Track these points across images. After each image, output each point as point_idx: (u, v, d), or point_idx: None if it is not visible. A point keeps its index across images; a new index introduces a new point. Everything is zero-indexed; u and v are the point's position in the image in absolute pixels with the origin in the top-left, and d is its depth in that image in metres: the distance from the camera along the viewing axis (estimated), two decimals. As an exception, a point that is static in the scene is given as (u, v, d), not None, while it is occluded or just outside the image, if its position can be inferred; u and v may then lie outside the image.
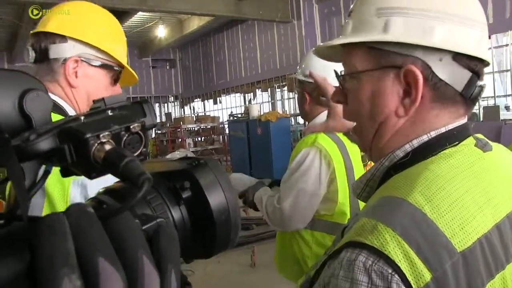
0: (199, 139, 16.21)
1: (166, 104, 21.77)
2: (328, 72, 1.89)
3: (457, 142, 0.76)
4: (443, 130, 0.77)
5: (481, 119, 9.24)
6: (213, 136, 15.97)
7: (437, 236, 0.62)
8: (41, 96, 0.42)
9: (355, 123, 0.87)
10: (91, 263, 0.28)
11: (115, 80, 1.35)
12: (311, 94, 2.07)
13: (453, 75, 0.75)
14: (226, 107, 18.50)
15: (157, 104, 21.46)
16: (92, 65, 1.28)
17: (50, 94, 1.26)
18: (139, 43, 17.62)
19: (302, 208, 1.91)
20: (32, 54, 1.27)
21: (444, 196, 0.66)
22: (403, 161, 0.77)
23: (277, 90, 15.51)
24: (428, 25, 0.74)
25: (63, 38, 1.25)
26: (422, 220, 0.63)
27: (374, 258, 0.60)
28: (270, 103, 16.08)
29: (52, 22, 1.27)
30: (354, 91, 0.81)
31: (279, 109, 14.91)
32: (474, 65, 0.76)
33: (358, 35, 0.79)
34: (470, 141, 0.78)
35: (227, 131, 14.41)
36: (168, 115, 19.72)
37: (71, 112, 1.26)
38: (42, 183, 0.38)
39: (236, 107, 17.85)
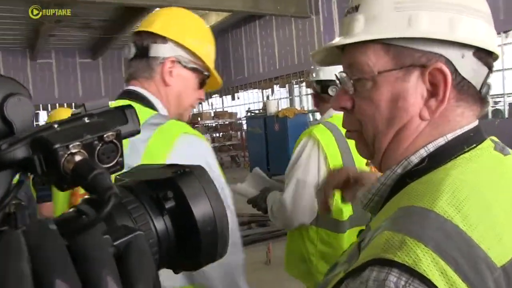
0: (217, 135, 16.26)
1: (184, 100, 21.85)
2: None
3: (474, 145, 0.71)
4: (459, 132, 0.71)
5: (506, 116, 9.03)
6: (231, 132, 16.00)
7: (473, 249, 0.55)
8: (23, 101, 0.40)
9: (353, 132, 0.80)
10: (48, 286, 0.27)
11: (201, 84, 1.44)
12: (316, 92, 2.16)
13: (473, 73, 0.70)
14: (244, 103, 18.50)
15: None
16: (185, 67, 1.38)
17: (143, 90, 1.30)
18: (158, 39, 17.75)
19: (303, 200, 1.92)
20: (133, 50, 1.36)
21: (473, 204, 0.60)
22: (419, 167, 0.71)
23: (295, 86, 15.45)
24: (451, 19, 0.69)
25: (164, 39, 1.35)
26: (455, 232, 0.56)
27: (407, 277, 0.53)
28: (288, 99, 16.03)
29: (156, 24, 1.37)
30: (367, 95, 0.74)
31: (297, 105, 14.84)
32: (490, 61, 0.72)
33: (377, 32, 0.72)
34: (488, 144, 0.73)
35: (245, 127, 14.41)
36: (186, 111, 19.80)
37: (161, 108, 1.36)
38: (15, 194, 0.36)
39: (254, 103, 17.84)
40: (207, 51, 1.43)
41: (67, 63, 17.08)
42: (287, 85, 15.42)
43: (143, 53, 1.35)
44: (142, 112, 1.27)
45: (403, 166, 0.73)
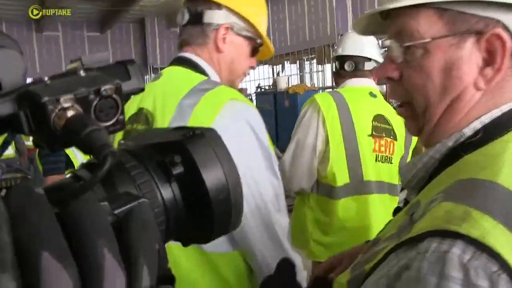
0: (226, 111, 16.18)
1: (194, 75, 21.77)
2: (361, 48, 2.11)
3: None
4: None
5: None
6: (240, 108, 15.92)
7: None
8: (12, 55, 0.36)
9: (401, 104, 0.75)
10: (33, 259, 0.23)
11: (253, 52, 1.43)
12: (335, 69, 2.24)
13: None
14: (254, 79, 18.36)
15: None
16: (238, 35, 1.37)
17: (196, 56, 1.28)
18: (167, 13, 17.53)
19: (301, 161, 1.98)
20: (186, 16, 1.35)
21: None
22: (473, 140, 0.67)
23: (305, 62, 15.27)
24: None
25: (218, 6, 1.33)
26: None
27: (473, 251, 0.49)
28: (298, 75, 15.88)
29: None
30: (418, 63, 0.69)
31: (308, 82, 14.70)
32: None
33: None
34: None
35: (254, 103, 14.33)
36: (196, 86, 19.77)
37: (213, 74, 1.35)
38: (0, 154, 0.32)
39: (264, 79, 17.69)
40: (260, 19, 1.42)
41: (74, 36, 16.90)
42: (297, 62, 15.25)
43: (196, 19, 1.34)
44: (193, 77, 1.26)
45: (455, 139, 0.69)
